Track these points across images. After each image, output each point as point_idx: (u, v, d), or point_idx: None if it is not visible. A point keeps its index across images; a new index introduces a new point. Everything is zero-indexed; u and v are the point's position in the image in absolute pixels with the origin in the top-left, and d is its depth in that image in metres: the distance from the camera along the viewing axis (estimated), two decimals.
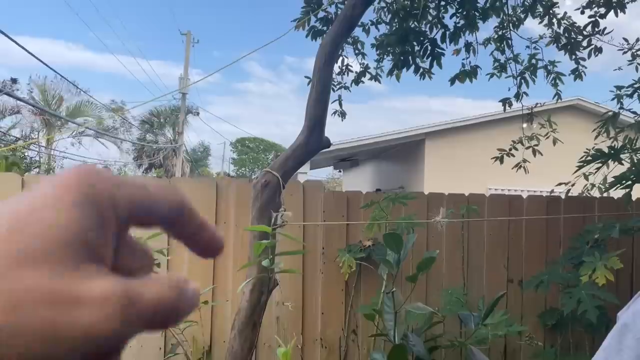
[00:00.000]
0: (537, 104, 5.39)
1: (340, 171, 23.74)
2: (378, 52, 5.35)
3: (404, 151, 13.99)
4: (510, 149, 4.88)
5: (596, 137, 4.14)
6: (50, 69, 8.97)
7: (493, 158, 4.85)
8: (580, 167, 3.72)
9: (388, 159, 15.75)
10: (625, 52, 4.62)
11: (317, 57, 3.48)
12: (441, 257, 4.05)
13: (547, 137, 4.86)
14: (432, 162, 12.63)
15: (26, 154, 13.29)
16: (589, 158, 3.49)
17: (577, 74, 4.82)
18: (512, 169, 4.94)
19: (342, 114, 5.75)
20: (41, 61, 8.63)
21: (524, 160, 4.99)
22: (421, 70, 4.93)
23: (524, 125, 5.32)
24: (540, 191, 12.35)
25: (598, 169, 3.82)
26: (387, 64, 5.36)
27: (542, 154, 4.81)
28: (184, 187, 3.99)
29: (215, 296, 3.79)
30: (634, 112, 4.11)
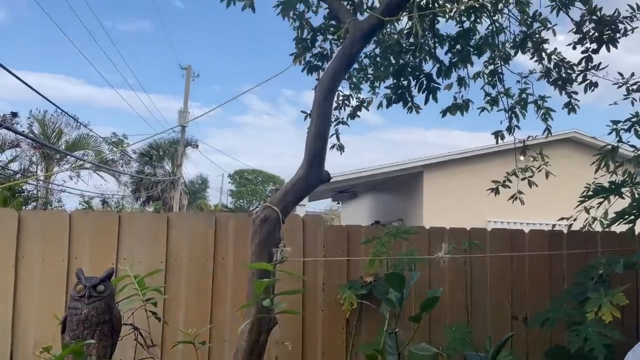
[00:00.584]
0: (529, 137, 5.43)
1: (338, 203, 23.69)
2: (371, 83, 5.43)
3: (403, 183, 14.00)
4: (504, 181, 4.89)
5: (596, 170, 4.15)
6: (50, 102, 9.06)
7: (488, 190, 4.85)
8: (582, 202, 3.70)
9: (386, 191, 15.75)
10: (620, 87, 4.68)
11: (317, 92, 3.51)
12: (444, 293, 3.97)
13: (540, 170, 4.88)
14: (431, 194, 12.62)
15: (24, 187, 13.25)
16: (591, 193, 3.48)
17: (570, 107, 4.87)
18: (508, 200, 4.94)
19: (341, 148, 5.77)
20: (41, 95, 8.69)
21: (519, 192, 4.99)
22: (409, 104, 4.98)
23: (521, 157, 5.34)
24: (540, 224, 12.32)
25: (600, 203, 3.80)
26: (379, 95, 5.45)
27: (537, 185, 4.81)
28: (183, 222, 3.95)
29: (213, 337, 3.69)
30: (633, 146, 4.12)
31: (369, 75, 5.36)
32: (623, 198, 3.70)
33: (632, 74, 4.51)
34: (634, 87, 4.53)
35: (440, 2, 5.11)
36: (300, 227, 4.02)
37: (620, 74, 4.59)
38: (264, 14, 4.88)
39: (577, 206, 3.84)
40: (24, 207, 12.16)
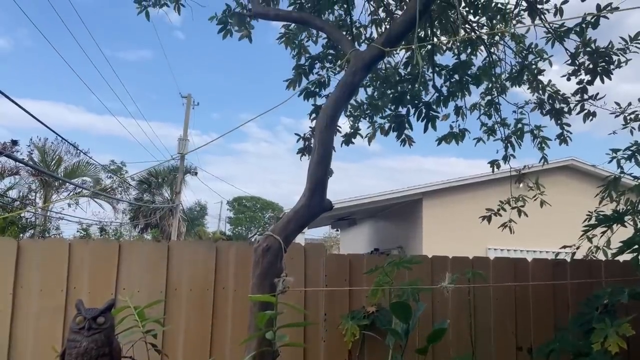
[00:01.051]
0: (525, 166, 5.48)
1: (337, 230, 23.58)
2: (370, 112, 5.48)
3: (402, 210, 13.98)
4: (498, 209, 4.90)
5: (600, 201, 4.16)
6: (50, 130, 9.10)
7: (481, 217, 4.86)
8: (585, 232, 3.70)
9: (386, 218, 15.71)
10: (617, 116, 4.74)
11: (318, 120, 3.54)
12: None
13: (535, 199, 4.90)
14: (430, 222, 12.59)
15: (22, 214, 13.18)
16: (594, 222, 3.48)
17: (562, 138, 4.91)
18: (498, 228, 4.95)
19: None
20: (41, 122, 8.71)
21: (510, 220, 5.00)
22: (403, 136, 5.00)
23: (519, 185, 5.37)
24: (540, 251, 12.27)
25: (603, 232, 3.80)
26: (377, 124, 5.49)
27: (527, 215, 4.84)
28: (184, 250, 3.91)
29: None
30: (635, 177, 4.15)
31: (367, 111, 5.41)
32: (625, 227, 3.70)
33: (629, 104, 4.58)
34: (632, 116, 4.58)
35: (438, 33, 5.23)
36: (302, 255, 3.99)
37: (617, 104, 4.65)
38: (262, 43, 4.97)
39: (582, 236, 3.84)
40: (21, 235, 12.07)
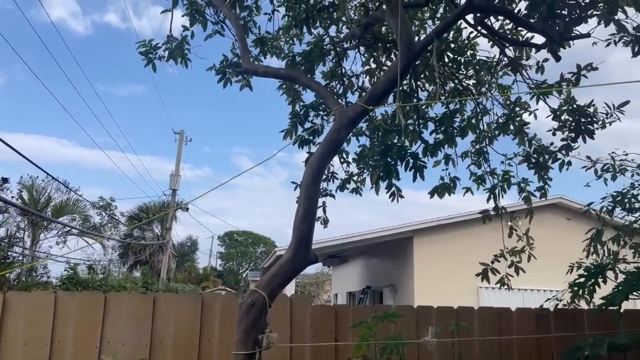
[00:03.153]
0: (513, 212, 5.53)
1: (329, 267, 23.40)
2: (359, 165, 5.58)
3: (393, 247, 13.98)
4: (492, 262, 4.92)
5: (587, 256, 4.25)
6: (41, 169, 9.15)
7: (477, 274, 4.87)
8: (572, 287, 3.78)
9: (377, 255, 15.67)
10: (588, 169, 4.88)
11: (304, 175, 3.63)
12: None
13: (525, 252, 4.95)
14: (421, 260, 12.57)
15: (9, 253, 13.03)
16: (578, 277, 3.56)
17: (542, 192, 5.02)
18: (496, 284, 4.94)
19: (325, 222, 5.82)
20: (32, 162, 8.75)
21: (506, 275, 4.99)
22: (393, 189, 5.06)
23: (509, 222, 5.40)
24: (531, 289, 12.27)
25: (585, 283, 3.86)
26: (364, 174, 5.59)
27: (524, 272, 4.84)
28: (170, 302, 3.92)
29: None
30: (615, 228, 4.25)
31: (356, 155, 5.51)
32: (605, 282, 3.79)
33: (598, 159, 4.74)
34: (604, 168, 4.73)
35: (425, 85, 5.40)
36: (287, 306, 4.01)
37: (588, 157, 4.79)
38: (256, 80, 5.06)
39: (564, 290, 3.90)
40: (7, 275, 11.90)
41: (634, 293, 3.46)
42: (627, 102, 4.44)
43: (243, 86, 5.01)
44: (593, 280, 3.81)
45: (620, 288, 3.53)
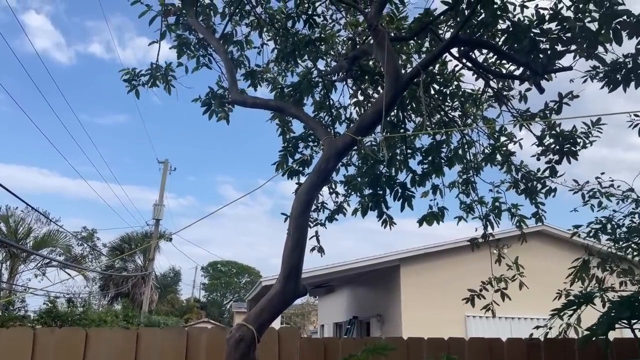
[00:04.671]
0: (499, 239, 5.56)
1: (315, 297, 23.10)
2: (347, 188, 5.59)
3: (380, 277, 13.87)
4: (480, 290, 4.93)
5: (571, 284, 4.27)
6: (21, 200, 8.95)
7: (464, 299, 4.87)
8: (554, 314, 3.76)
9: (364, 285, 15.52)
10: (575, 193, 4.95)
11: (293, 206, 3.60)
12: None
13: (515, 280, 4.97)
14: (408, 289, 12.47)
15: None
16: (564, 305, 3.55)
17: (537, 217, 5.08)
18: (481, 310, 4.94)
19: (321, 250, 5.77)
20: (11, 192, 8.60)
21: (492, 302, 5.01)
22: (384, 216, 5.08)
23: (496, 250, 5.42)
24: (519, 318, 12.24)
25: (574, 311, 3.86)
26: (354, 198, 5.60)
27: (510, 299, 4.86)
28: (153, 338, 3.80)
29: None
30: (600, 255, 4.29)
31: (346, 189, 5.53)
32: (594, 305, 3.78)
33: (587, 182, 4.81)
34: (590, 193, 4.80)
35: (412, 116, 5.48)
36: (275, 340, 3.92)
37: (576, 181, 4.88)
38: (240, 110, 5.06)
39: (551, 317, 3.89)
40: None
41: (620, 322, 3.46)
42: (600, 120, 4.54)
43: (221, 118, 5.00)
44: (575, 308, 3.79)
45: (604, 317, 3.53)
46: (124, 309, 17.92)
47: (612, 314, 2.77)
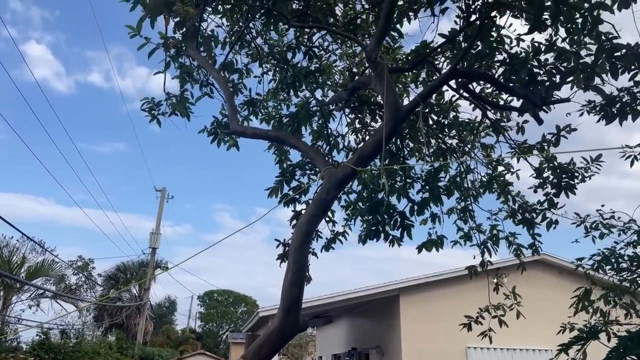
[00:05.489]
0: (498, 268, 5.52)
1: (314, 328, 22.69)
2: (347, 212, 5.57)
3: (379, 307, 13.64)
4: (477, 317, 4.90)
5: (575, 313, 4.20)
6: (16, 229, 8.89)
7: (461, 325, 4.83)
8: (561, 351, 3.69)
9: (363, 315, 15.27)
10: (578, 226, 4.92)
11: (293, 238, 3.56)
12: None
13: (512, 309, 4.93)
14: (408, 319, 12.25)
15: None
16: (571, 341, 3.48)
17: (534, 248, 5.05)
18: (478, 336, 4.91)
19: (308, 280, 5.70)
20: (7, 222, 8.53)
21: (490, 329, 4.98)
22: (390, 237, 5.05)
23: (495, 279, 5.36)
24: (520, 349, 12.00)
25: (581, 346, 3.79)
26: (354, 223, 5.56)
27: (507, 325, 4.83)
28: None
29: None
30: (603, 287, 4.23)
31: (346, 217, 5.51)
32: (599, 339, 3.71)
33: (588, 215, 4.79)
34: (593, 226, 4.77)
35: (411, 145, 5.50)
36: None
37: (577, 214, 4.85)
38: (240, 139, 5.07)
39: (558, 354, 3.81)
40: None
41: (628, 357, 3.39)
42: (600, 156, 4.55)
43: (230, 146, 5.03)
44: (583, 343, 3.73)
45: (614, 354, 3.46)
46: (117, 340, 17.54)
47: (622, 350, 2.70)
